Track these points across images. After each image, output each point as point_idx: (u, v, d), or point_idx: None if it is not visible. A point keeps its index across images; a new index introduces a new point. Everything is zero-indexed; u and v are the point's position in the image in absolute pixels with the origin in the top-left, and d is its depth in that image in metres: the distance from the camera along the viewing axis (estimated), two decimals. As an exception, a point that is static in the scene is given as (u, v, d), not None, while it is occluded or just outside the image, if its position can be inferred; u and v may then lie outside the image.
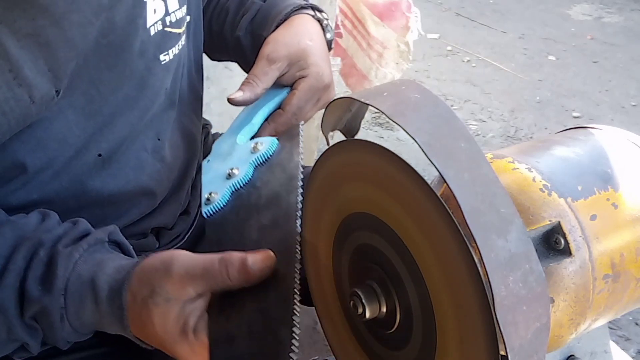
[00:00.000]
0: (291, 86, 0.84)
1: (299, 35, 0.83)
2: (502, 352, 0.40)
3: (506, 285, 0.39)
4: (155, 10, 0.69)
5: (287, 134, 0.79)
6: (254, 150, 0.75)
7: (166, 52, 0.72)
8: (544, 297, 0.41)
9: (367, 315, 0.50)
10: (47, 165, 0.66)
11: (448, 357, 0.45)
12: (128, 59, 0.66)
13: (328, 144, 0.55)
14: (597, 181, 0.53)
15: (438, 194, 0.42)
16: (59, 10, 0.56)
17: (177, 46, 0.74)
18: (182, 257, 0.57)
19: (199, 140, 0.88)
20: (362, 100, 0.47)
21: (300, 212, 0.62)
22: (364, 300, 0.50)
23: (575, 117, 2.76)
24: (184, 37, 0.76)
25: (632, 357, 1.23)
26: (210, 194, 0.73)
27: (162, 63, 0.71)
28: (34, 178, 0.66)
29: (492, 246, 0.39)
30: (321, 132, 0.60)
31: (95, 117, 0.66)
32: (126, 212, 0.76)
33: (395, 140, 2.53)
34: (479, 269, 0.39)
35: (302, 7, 0.87)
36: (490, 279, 0.39)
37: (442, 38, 3.53)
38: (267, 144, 0.75)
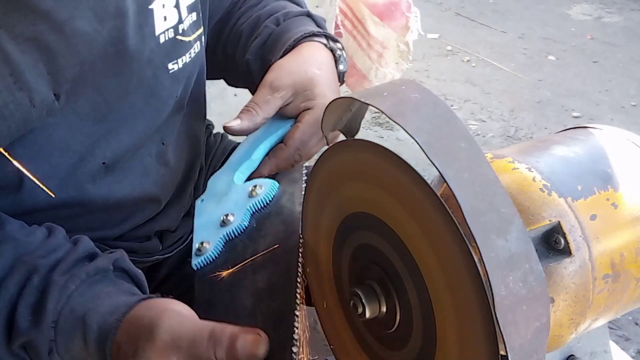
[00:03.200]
0: (295, 118, 0.77)
1: (306, 63, 0.76)
2: (502, 352, 0.40)
3: (506, 285, 0.39)
4: (165, 17, 0.67)
5: (289, 177, 0.72)
6: (252, 194, 0.68)
7: (175, 61, 0.70)
8: (544, 296, 0.41)
9: (367, 315, 0.50)
10: (51, 173, 0.65)
11: (448, 357, 0.45)
12: (136, 67, 0.65)
13: (328, 144, 0.55)
14: (597, 181, 0.53)
15: (438, 194, 0.42)
16: (62, 17, 0.56)
17: (188, 54, 0.72)
18: (170, 321, 0.53)
19: (203, 142, 0.87)
20: (362, 100, 0.47)
21: (299, 276, 0.57)
22: (364, 300, 0.50)
23: (575, 117, 2.76)
24: (197, 45, 0.74)
25: (632, 357, 1.23)
26: (202, 243, 0.66)
27: (170, 72, 0.70)
28: (38, 186, 0.65)
29: (492, 246, 0.39)
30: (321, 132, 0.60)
31: (100, 123, 0.66)
32: (131, 217, 0.75)
33: (395, 140, 2.53)
34: (479, 268, 0.39)
35: (315, 35, 0.81)
36: (490, 279, 0.39)
37: (442, 38, 3.53)
38: (267, 188, 0.68)
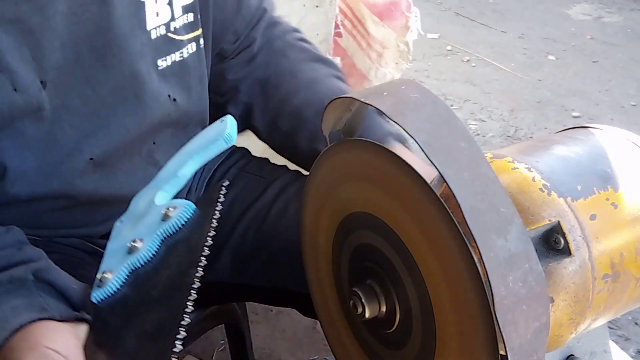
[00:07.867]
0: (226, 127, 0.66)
1: None
2: (501, 352, 0.40)
3: (506, 285, 0.39)
4: (158, 13, 0.68)
5: (206, 197, 0.64)
6: (165, 217, 0.61)
7: (164, 58, 0.70)
8: (544, 296, 0.41)
9: (367, 314, 0.50)
10: (37, 166, 0.65)
11: (448, 357, 0.45)
12: (126, 59, 0.65)
13: (328, 144, 0.55)
14: (596, 181, 0.53)
15: (438, 194, 0.42)
16: None
17: (179, 53, 0.72)
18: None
19: None
20: (362, 99, 0.47)
21: (185, 319, 0.52)
22: (363, 300, 0.50)
23: (575, 117, 2.76)
24: (191, 46, 0.74)
25: (632, 357, 1.23)
26: (104, 273, 0.60)
27: (159, 69, 0.70)
28: (21, 177, 0.65)
29: (492, 246, 0.39)
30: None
31: (89, 118, 0.66)
32: (117, 215, 0.74)
33: (395, 140, 2.53)
34: (479, 268, 0.39)
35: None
36: (490, 279, 0.39)
37: (442, 38, 3.52)
38: (180, 210, 0.61)
